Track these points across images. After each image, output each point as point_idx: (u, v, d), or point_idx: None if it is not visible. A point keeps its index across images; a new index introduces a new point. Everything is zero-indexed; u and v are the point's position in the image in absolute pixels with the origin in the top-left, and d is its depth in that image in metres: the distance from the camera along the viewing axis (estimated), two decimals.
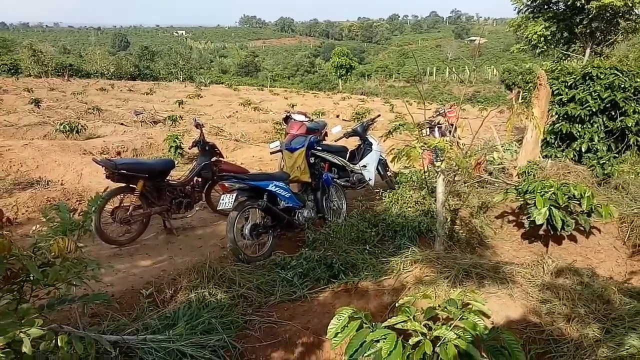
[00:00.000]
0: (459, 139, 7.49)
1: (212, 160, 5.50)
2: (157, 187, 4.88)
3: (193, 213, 5.30)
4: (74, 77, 39.87)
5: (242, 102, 20.94)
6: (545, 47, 10.95)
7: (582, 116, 9.12)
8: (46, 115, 14.40)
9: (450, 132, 11.45)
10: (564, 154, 9.34)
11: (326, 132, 9.99)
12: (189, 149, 5.63)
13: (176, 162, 5.25)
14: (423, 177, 6.80)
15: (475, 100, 55.51)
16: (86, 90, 26.47)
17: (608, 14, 11.07)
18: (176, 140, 9.30)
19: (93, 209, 2.78)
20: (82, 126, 10.98)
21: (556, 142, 9.58)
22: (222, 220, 5.71)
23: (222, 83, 47.62)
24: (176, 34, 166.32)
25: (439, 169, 4.21)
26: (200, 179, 5.41)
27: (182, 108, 19.12)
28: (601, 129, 9.18)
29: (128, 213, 4.65)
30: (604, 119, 8.89)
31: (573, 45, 11.76)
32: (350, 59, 59.53)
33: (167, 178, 5.05)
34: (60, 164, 7.75)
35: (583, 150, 9.20)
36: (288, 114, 9.11)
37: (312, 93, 44.54)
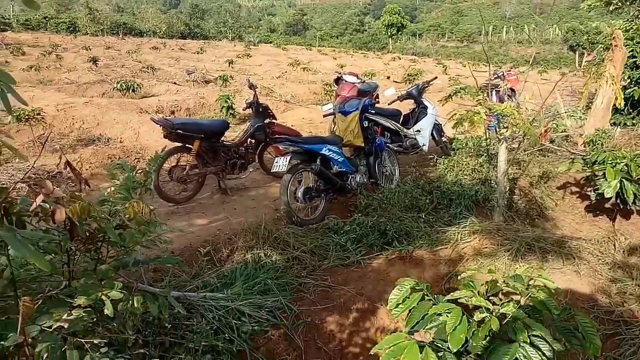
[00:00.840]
0: (519, 103, 7.07)
1: (265, 122, 5.48)
2: (212, 147, 4.94)
3: (247, 174, 5.35)
4: (128, 35, 40.79)
5: (291, 62, 20.72)
6: (620, 3, 9.97)
7: None
8: (104, 73, 14.85)
9: (509, 96, 10.89)
10: (634, 121, 8.68)
11: (378, 95, 9.76)
12: (243, 109, 5.62)
13: (229, 123, 5.27)
14: (481, 143, 6.52)
15: (535, 62, 52.45)
16: (140, 49, 27.06)
17: None
18: (228, 100, 9.36)
19: (153, 168, 2.83)
20: (137, 85, 11.25)
21: (626, 109, 8.90)
22: (275, 181, 5.75)
23: (271, 42, 47.28)
24: None
25: (502, 136, 3.99)
26: (253, 141, 5.42)
27: (232, 68, 19.18)
28: None
29: (185, 172, 4.75)
30: None
31: None
32: (402, 17, 57.22)
33: (222, 139, 5.10)
34: (119, 121, 8.01)
35: None
36: (339, 75, 8.92)
37: (361, 53, 43.50)
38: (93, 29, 42.28)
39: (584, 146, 6.20)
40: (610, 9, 10.33)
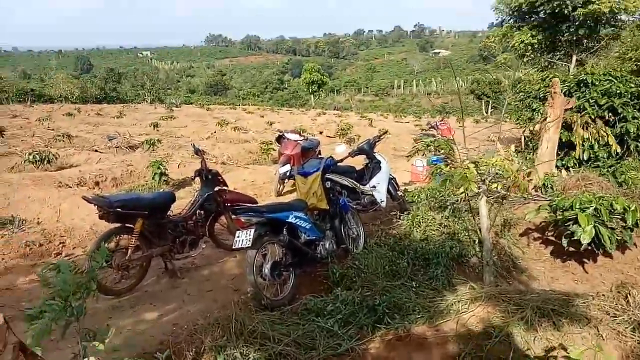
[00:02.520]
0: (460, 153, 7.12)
1: (215, 190, 4.93)
2: (157, 225, 4.28)
3: (198, 251, 4.70)
4: (37, 102, 38.23)
5: (219, 122, 20.29)
6: (532, 55, 10.89)
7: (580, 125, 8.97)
8: (11, 145, 13.41)
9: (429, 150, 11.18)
10: (563, 162, 9.16)
11: (319, 151, 9.55)
12: (192, 179, 5.07)
13: (175, 194, 4.64)
14: (436, 195, 6.40)
15: (445, 111, 56.41)
16: (52, 115, 25.22)
17: (590, 22, 11.13)
18: (160, 166, 8.64)
19: (98, 261, 2.25)
20: (52, 155, 10.14)
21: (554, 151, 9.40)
22: (228, 256, 5.13)
23: (192, 103, 46.69)
24: (141, 55, 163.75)
25: (481, 190, 3.78)
26: (203, 212, 4.82)
27: (157, 131, 18.32)
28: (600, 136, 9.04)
29: (126, 257, 4.03)
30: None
31: (557, 53, 11.79)
32: (322, 75, 59.60)
33: (168, 213, 4.46)
34: (35, 199, 6.98)
35: (584, 158, 9.03)
36: (281, 134, 8.63)
37: (286, 110, 44.16)
38: None
39: (535, 190, 6.28)
40: (525, 60, 11.20)
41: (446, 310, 3.23)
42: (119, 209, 3.88)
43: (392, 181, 6.38)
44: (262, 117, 29.01)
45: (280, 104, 59.85)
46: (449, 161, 4.07)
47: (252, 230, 3.73)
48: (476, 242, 5.10)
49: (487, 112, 55.34)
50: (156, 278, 4.52)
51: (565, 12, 10.33)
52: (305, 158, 8.66)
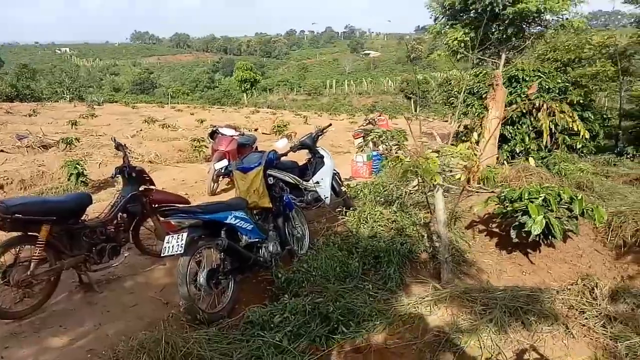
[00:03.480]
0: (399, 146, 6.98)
1: (140, 190, 4.30)
2: (68, 231, 3.61)
3: (121, 260, 4.06)
4: None
5: (145, 119, 19.05)
6: (465, 52, 11.11)
7: (513, 118, 9.21)
8: None
9: (382, 141, 11.10)
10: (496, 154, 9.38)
11: (256, 147, 9.05)
12: (112, 177, 4.35)
13: (90, 195, 3.96)
14: (385, 190, 6.17)
15: (375, 109, 57.61)
16: None
17: (518, 20, 11.56)
18: (77, 166, 7.72)
19: None
20: None
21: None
22: (154, 264, 4.53)
23: (117, 102, 43.96)
24: (59, 51, 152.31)
25: (438, 183, 3.52)
26: (125, 215, 4.18)
27: (76, 129, 16.79)
28: (530, 129, 9.34)
29: (29, 272, 3.34)
30: (532, 120, 9.03)
31: (488, 51, 12.15)
32: (255, 73, 58.61)
33: (82, 218, 3.79)
34: None
35: (517, 150, 9.28)
36: (215, 129, 8.03)
37: (218, 108, 42.82)
38: None
39: (479, 182, 6.23)
40: (457, 57, 11.38)
41: (406, 314, 2.92)
42: (18, 214, 3.19)
43: (335, 176, 6.06)
44: (193, 114, 27.79)
45: (212, 103, 58.00)
46: (401, 152, 3.79)
47: (185, 234, 3.22)
48: (425, 237, 4.90)
49: (415, 111, 57.21)
50: (68, 294, 3.83)
51: (497, 10, 10.66)
52: (241, 155, 8.14)
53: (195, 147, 10.78)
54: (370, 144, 10.62)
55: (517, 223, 4.41)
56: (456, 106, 11.44)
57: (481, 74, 9.88)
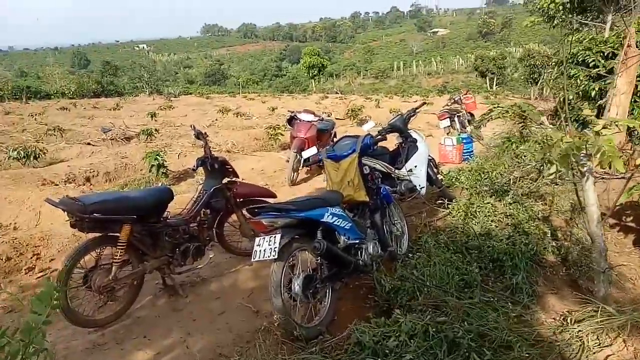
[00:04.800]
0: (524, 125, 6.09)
1: (223, 182, 3.91)
2: (150, 231, 3.28)
3: (206, 261, 3.70)
4: (33, 99, 37.17)
5: (220, 109, 19.23)
6: (563, 16, 9.75)
7: None
8: None
9: (469, 121, 10.16)
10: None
11: (335, 133, 8.52)
12: (194, 169, 3.99)
13: (172, 189, 3.61)
14: (485, 178, 5.39)
15: (446, 90, 55.16)
16: (46, 110, 24.25)
17: None
18: (158, 157, 7.63)
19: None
20: (40, 150, 9.15)
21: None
22: (240, 262, 4.15)
23: (191, 93, 45.53)
24: (137, 48, 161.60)
25: (587, 169, 2.76)
26: (209, 211, 3.81)
27: (155, 120, 17.28)
28: None
29: (111, 276, 3.04)
30: None
31: (589, 14, 10.63)
32: (322, 58, 58.16)
33: (165, 215, 3.45)
34: (12, 200, 6.00)
35: None
36: (293, 114, 7.59)
37: (287, 95, 42.95)
38: None
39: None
40: (554, 23, 10.04)
41: (560, 342, 2.24)
42: (97, 213, 2.89)
43: (430, 163, 5.36)
44: (264, 103, 27.92)
45: (280, 91, 58.58)
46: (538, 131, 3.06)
47: (278, 237, 2.74)
48: (548, 234, 4.11)
49: (491, 88, 53.80)
50: (151, 299, 3.54)
51: None
52: (320, 141, 7.65)
53: (271, 135, 10.46)
54: (458, 125, 9.74)
55: None
56: (546, 80, 10.14)
57: (586, 40, 8.53)
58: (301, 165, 7.23)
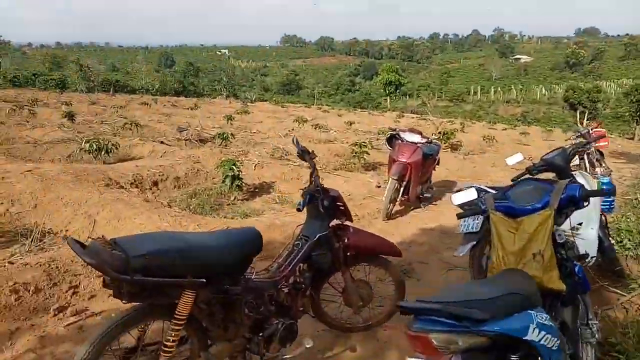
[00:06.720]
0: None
1: (331, 227, 2.68)
2: (224, 300, 2.11)
3: (298, 351, 2.45)
4: (119, 92, 38.91)
5: (296, 119, 18.42)
6: None
7: None
8: (77, 130, 12.23)
9: (597, 159, 8.40)
10: None
11: (438, 160, 7.16)
12: (298, 209, 2.68)
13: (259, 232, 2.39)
14: None
15: (526, 121, 51.64)
16: (128, 104, 24.80)
17: None
18: (233, 167, 6.66)
19: None
20: (113, 145, 8.55)
21: None
22: (341, 342, 2.89)
23: (266, 100, 45.80)
24: (219, 53, 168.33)
25: None
26: (306, 267, 2.60)
27: (231, 124, 16.73)
28: None
29: None
30: None
31: None
32: (400, 75, 56.69)
33: (247, 273, 2.28)
34: (68, 202, 5.21)
35: None
36: (394, 132, 6.32)
37: (361, 110, 41.90)
38: (83, 86, 40.29)
39: None
40: None
41: None
42: (146, 275, 1.76)
43: (602, 221, 3.88)
44: (340, 116, 26.96)
45: (352, 106, 57.68)
46: None
47: None
48: None
49: (581, 123, 49.38)
50: None
51: None
52: (424, 168, 6.33)
53: (356, 152, 9.24)
54: (587, 165, 8.02)
55: None
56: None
57: None
58: (400, 195, 5.95)
